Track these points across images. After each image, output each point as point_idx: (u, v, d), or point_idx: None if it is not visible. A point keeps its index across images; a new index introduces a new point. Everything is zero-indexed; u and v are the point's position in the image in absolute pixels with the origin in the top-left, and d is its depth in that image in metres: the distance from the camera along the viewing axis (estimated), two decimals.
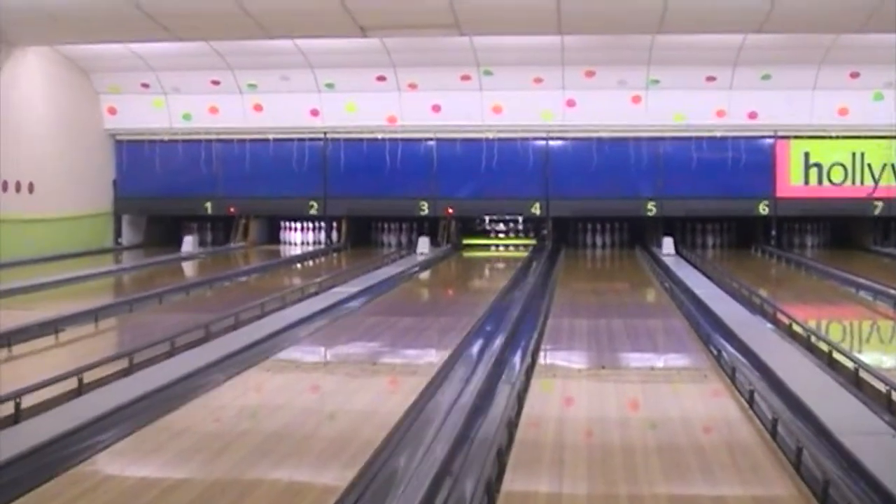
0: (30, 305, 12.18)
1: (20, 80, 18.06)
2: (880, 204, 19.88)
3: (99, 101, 20.95)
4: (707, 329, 10.15)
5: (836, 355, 8.36)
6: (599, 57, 18.84)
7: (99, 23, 16.20)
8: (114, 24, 16.19)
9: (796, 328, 9.93)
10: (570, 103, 19.85)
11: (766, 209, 19.99)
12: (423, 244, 20.19)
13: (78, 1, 14.97)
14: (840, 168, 19.87)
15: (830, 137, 19.82)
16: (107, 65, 20.01)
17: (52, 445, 5.66)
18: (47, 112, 19.04)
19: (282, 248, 21.87)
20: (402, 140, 20.60)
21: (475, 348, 9.41)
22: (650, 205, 20.16)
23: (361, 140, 20.65)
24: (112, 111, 21.05)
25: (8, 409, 6.35)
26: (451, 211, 20.83)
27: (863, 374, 7.54)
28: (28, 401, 6.52)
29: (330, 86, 20.08)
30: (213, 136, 21.05)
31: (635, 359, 9.09)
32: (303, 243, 22.01)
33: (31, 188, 18.23)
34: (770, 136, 19.99)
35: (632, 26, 16.48)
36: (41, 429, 5.90)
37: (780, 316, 10.80)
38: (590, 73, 19.38)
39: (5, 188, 17.47)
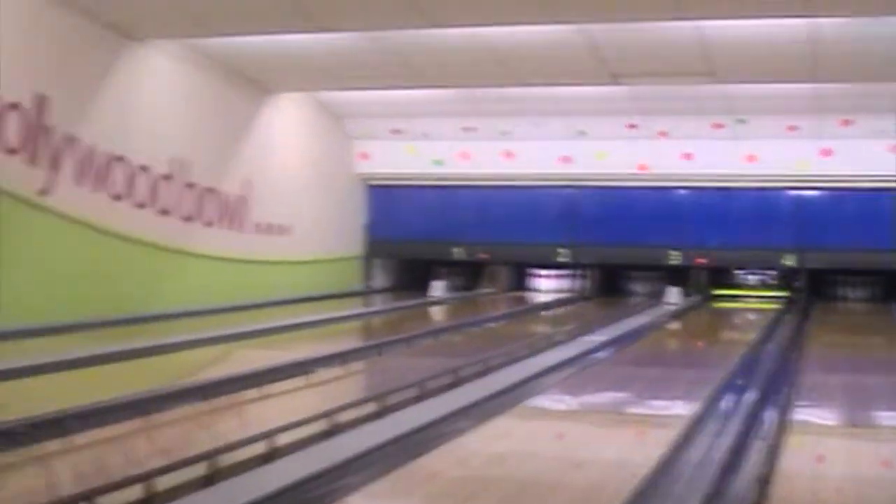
0: (283, 346, 12.50)
1: (278, 126, 18.63)
2: None
3: (351, 146, 21.44)
4: None
5: None
6: (856, 105, 18.24)
7: (355, 71, 16.57)
8: (370, 72, 16.56)
9: None
10: (826, 152, 19.36)
11: None
12: (673, 294, 20.00)
13: (335, 50, 15.33)
14: None
15: None
16: (359, 110, 20.44)
17: (304, 485, 5.73)
18: (303, 156, 19.57)
19: (529, 294, 21.91)
20: (653, 188, 20.48)
21: (725, 402, 9.21)
22: None
23: (611, 187, 20.65)
24: (364, 156, 21.50)
25: (261, 447, 6.48)
26: (702, 261, 20.55)
27: None
28: (280, 440, 6.64)
29: (581, 133, 20.07)
30: (464, 182, 21.28)
31: (890, 417, 8.79)
32: (552, 291, 21.99)
33: (286, 231, 18.72)
34: None
35: (890, 74, 16.00)
36: (294, 468, 5.99)
37: None
38: (846, 122, 18.86)
39: (259, 230, 17.95)
